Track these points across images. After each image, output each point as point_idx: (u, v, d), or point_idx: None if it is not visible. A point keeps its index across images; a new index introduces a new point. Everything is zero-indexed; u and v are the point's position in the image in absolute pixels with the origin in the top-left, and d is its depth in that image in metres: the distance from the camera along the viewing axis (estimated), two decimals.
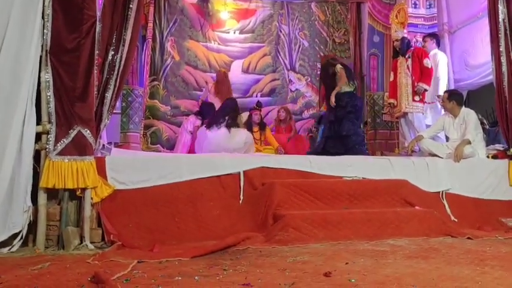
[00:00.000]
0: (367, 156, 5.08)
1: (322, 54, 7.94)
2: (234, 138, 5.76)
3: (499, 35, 4.54)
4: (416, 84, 5.59)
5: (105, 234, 3.28)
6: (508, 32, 4.51)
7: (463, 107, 4.95)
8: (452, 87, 6.15)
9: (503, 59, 4.50)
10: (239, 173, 3.85)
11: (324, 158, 4.40)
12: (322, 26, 8.07)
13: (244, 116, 7.05)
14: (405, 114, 5.77)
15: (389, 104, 5.99)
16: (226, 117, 5.86)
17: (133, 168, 3.62)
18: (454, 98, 4.94)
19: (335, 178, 4.05)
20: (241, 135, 5.87)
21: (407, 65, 5.68)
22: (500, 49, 4.52)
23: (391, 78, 5.96)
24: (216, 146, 5.57)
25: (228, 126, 5.82)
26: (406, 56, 5.72)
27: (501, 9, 4.54)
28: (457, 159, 4.46)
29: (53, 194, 3.28)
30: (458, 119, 4.86)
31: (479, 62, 5.93)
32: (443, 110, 5.62)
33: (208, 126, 5.87)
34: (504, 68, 4.49)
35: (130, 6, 3.64)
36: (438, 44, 6.14)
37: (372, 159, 4.50)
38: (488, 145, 5.02)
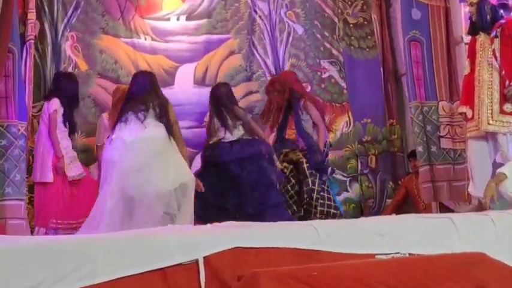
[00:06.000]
0: (415, 216, 5.08)
1: (328, 44, 8.09)
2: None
3: None
4: (508, 83, 5.60)
5: None
6: None
7: None
8: None
9: None
10: (196, 261, 3.83)
11: (339, 224, 4.38)
12: (326, 0, 8.25)
13: None
14: (487, 136, 5.75)
15: (460, 114, 6.08)
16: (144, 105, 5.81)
17: (12, 268, 3.53)
18: None
19: (361, 257, 4.05)
20: None
21: (493, 49, 5.66)
22: None
23: (466, 71, 6.00)
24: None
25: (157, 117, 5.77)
26: (493, 34, 5.67)
27: None
28: None
29: None
30: None
31: None
32: None
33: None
34: None
35: None
36: None
37: (422, 220, 4.51)
38: None
